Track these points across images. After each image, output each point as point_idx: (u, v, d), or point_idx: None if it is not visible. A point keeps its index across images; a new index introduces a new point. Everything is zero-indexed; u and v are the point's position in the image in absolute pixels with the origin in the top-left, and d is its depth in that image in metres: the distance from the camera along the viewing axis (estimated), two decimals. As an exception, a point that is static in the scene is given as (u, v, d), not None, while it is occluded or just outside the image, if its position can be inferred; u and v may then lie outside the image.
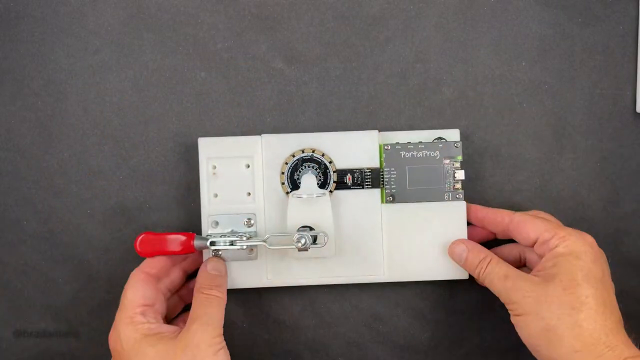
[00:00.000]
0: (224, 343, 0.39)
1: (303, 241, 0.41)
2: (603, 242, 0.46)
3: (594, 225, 0.46)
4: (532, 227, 0.41)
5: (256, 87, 0.46)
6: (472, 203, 0.46)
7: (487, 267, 0.41)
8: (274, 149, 0.44)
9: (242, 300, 0.46)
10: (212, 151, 0.44)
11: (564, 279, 0.38)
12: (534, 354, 0.39)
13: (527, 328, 0.38)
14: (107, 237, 0.46)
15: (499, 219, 0.43)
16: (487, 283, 0.41)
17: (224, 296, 0.41)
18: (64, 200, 0.46)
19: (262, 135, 0.44)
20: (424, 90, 0.46)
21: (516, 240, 0.42)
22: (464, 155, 0.45)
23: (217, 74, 0.46)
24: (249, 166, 0.44)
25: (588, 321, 0.36)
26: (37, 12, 0.46)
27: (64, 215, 0.46)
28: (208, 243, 0.42)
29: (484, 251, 0.42)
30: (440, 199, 0.44)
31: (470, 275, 0.44)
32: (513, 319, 0.39)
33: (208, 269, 0.42)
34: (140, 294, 0.40)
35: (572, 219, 0.46)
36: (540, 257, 0.40)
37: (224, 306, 0.41)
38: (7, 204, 0.46)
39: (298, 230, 0.42)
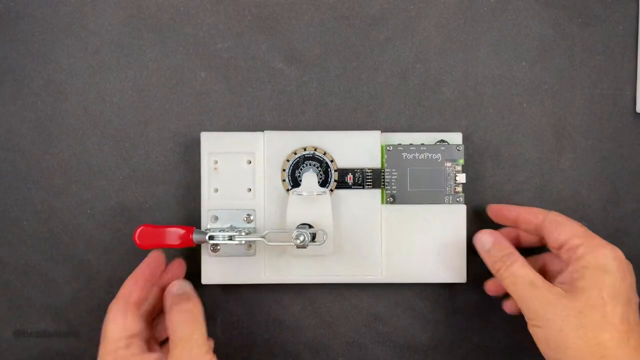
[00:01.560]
0: (211, 354, 0.38)
1: (302, 238, 0.41)
2: (603, 242, 0.46)
3: (594, 225, 0.46)
4: (564, 229, 0.39)
5: (256, 87, 0.46)
6: (471, 204, 0.46)
7: (511, 266, 0.39)
8: (276, 146, 0.44)
9: (242, 300, 0.46)
10: (214, 146, 0.44)
11: (592, 296, 0.36)
12: None
13: (547, 342, 0.37)
14: (107, 237, 0.46)
15: (532, 216, 0.41)
16: (508, 284, 0.39)
17: (198, 309, 0.40)
18: (64, 200, 0.46)
19: (265, 131, 0.44)
20: (424, 90, 0.46)
21: (545, 239, 0.41)
22: (464, 155, 0.44)
23: (217, 74, 0.46)
24: (250, 162, 0.44)
25: (612, 341, 0.35)
26: (37, 12, 0.46)
27: (64, 215, 0.46)
28: (207, 237, 0.42)
29: (510, 247, 0.40)
30: (441, 201, 0.44)
31: (468, 278, 0.44)
32: (531, 329, 0.38)
33: (174, 290, 0.41)
34: (120, 327, 0.38)
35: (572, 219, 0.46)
36: (566, 263, 0.39)
37: (200, 320, 0.39)
38: (7, 204, 0.46)
39: (297, 227, 0.42)
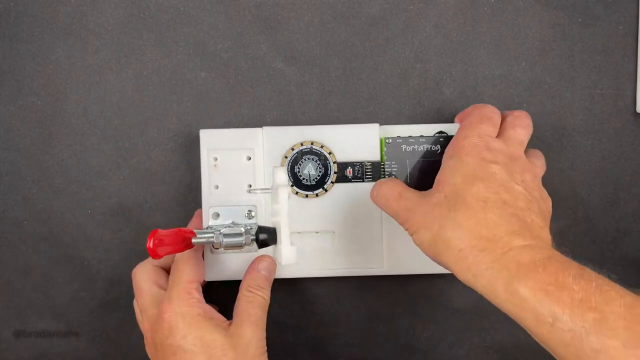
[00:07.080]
0: (266, 347, 0.40)
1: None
2: (603, 242, 0.46)
3: (594, 225, 0.46)
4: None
5: (256, 87, 0.46)
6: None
7: (381, 186, 0.40)
8: (275, 141, 0.44)
9: (242, 300, 0.46)
10: (213, 143, 0.44)
11: (444, 184, 0.37)
12: (446, 268, 0.37)
13: (422, 244, 0.37)
14: (107, 237, 0.46)
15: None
16: (382, 204, 0.40)
17: (268, 299, 0.42)
18: (64, 200, 0.46)
19: (264, 127, 0.44)
20: (424, 90, 0.46)
21: None
22: (464, 155, 0.44)
23: (217, 74, 0.46)
24: (250, 158, 0.44)
25: (468, 220, 0.35)
26: (37, 12, 0.46)
27: (64, 215, 0.46)
28: (206, 240, 0.42)
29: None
30: None
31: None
32: (413, 239, 0.38)
33: (259, 268, 0.42)
34: (194, 269, 0.40)
35: (572, 219, 0.46)
36: None
37: (267, 309, 0.41)
38: (7, 204, 0.46)
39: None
